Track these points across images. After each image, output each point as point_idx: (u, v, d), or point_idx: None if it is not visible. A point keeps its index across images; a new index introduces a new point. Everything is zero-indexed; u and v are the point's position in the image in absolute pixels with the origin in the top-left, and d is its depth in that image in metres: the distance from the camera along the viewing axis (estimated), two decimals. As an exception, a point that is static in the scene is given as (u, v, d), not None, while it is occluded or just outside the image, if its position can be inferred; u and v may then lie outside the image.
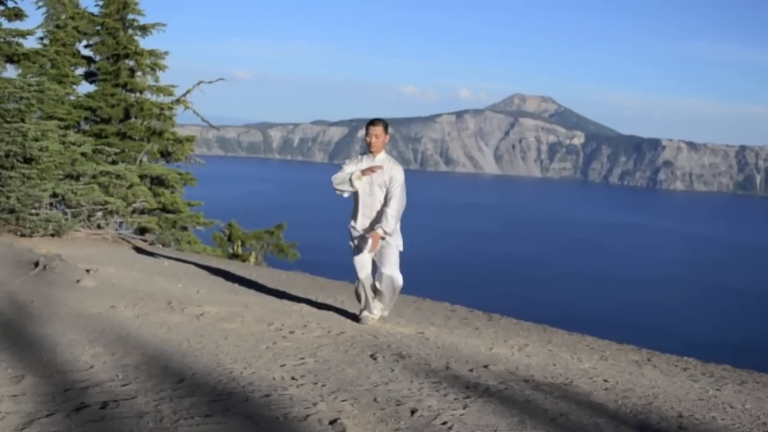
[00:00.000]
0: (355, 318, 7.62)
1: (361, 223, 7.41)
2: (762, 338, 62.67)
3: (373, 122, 7.45)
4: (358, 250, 7.42)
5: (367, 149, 7.41)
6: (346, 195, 7.41)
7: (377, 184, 7.31)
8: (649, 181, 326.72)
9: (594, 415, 4.46)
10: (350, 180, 7.26)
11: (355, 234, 7.44)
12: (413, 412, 4.25)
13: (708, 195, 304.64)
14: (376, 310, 7.53)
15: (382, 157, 7.37)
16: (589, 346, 7.68)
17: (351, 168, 7.38)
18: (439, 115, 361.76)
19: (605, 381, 5.53)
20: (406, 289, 7.90)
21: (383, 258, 7.38)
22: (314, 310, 8.20)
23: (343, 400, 4.39)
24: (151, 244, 17.78)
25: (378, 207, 7.33)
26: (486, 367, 5.65)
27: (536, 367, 5.88)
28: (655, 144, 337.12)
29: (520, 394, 4.87)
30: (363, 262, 7.41)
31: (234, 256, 22.90)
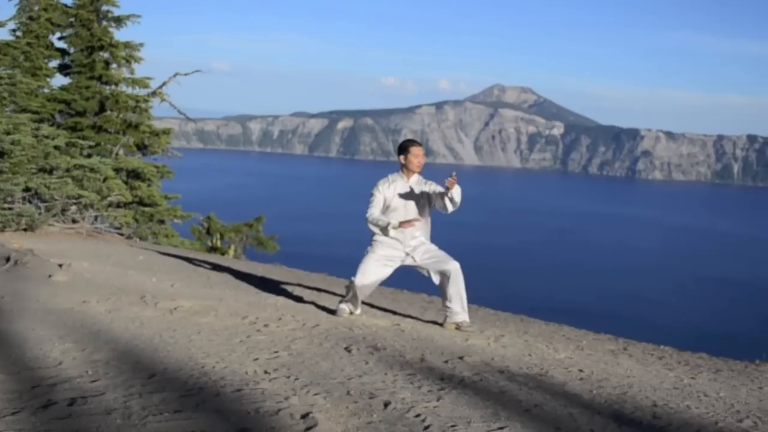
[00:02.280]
0: (331, 310, 7.55)
1: (394, 238, 7.15)
2: (739, 325, 63.22)
3: (415, 143, 7.33)
4: (378, 263, 7.20)
5: (403, 169, 7.22)
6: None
7: (415, 206, 7.18)
8: (628, 170, 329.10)
9: (568, 406, 4.44)
10: (387, 228, 7.04)
11: (382, 247, 7.19)
12: (386, 404, 4.20)
13: (686, 184, 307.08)
14: (460, 317, 7.23)
15: (415, 179, 7.22)
16: (566, 336, 7.68)
17: (384, 193, 7.14)
18: (419, 107, 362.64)
19: (580, 371, 5.51)
20: (384, 281, 7.81)
21: (438, 259, 7.21)
22: (290, 302, 8.14)
23: (316, 394, 4.34)
24: (128, 238, 17.66)
25: (417, 227, 7.17)
26: (461, 358, 5.62)
27: (512, 358, 5.86)
28: (634, 134, 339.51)
29: (495, 385, 4.84)
30: (371, 272, 7.20)
31: (213, 249, 22.81)
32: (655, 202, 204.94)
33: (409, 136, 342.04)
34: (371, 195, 7.18)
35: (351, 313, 7.38)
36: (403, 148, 7.27)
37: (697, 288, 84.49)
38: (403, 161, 7.23)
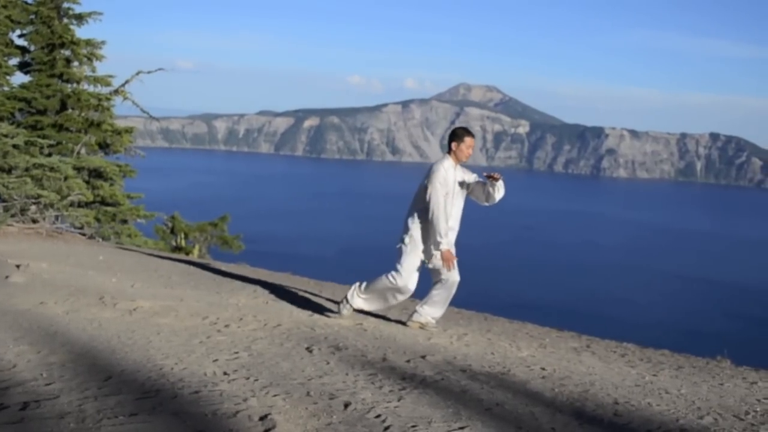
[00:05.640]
0: (329, 310, 7.42)
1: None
2: (701, 322, 64.02)
3: (470, 133, 7.11)
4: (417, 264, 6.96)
5: (451, 155, 7.02)
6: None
7: (459, 195, 7.07)
8: (592, 168, 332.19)
9: (530, 404, 4.42)
10: (437, 245, 6.81)
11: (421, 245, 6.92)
12: (346, 405, 4.16)
13: (650, 182, 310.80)
14: (426, 320, 7.12)
15: (460, 167, 7.10)
16: (529, 333, 7.68)
17: (447, 176, 6.91)
18: (385, 105, 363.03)
19: (543, 369, 5.50)
20: (350, 280, 7.74)
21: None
22: (251, 302, 8.05)
23: (275, 395, 4.28)
24: (90, 237, 17.42)
25: (456, 216, 7.07)
26: (423, 357, 5.59)
27: (474, 357, 5.83)
28: (599, 132, 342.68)
29: (457, 384, 4.81)
30: (414, 274, 6.97)
31: (177, 248, 22.61)
32: (619, 200, 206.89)
33: (376, 135, 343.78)
34: (436, 187, 6.85)
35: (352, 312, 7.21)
36: (458, 136, 7.05)
37: (660, 285, 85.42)
38: (454, 148, 7.03)
